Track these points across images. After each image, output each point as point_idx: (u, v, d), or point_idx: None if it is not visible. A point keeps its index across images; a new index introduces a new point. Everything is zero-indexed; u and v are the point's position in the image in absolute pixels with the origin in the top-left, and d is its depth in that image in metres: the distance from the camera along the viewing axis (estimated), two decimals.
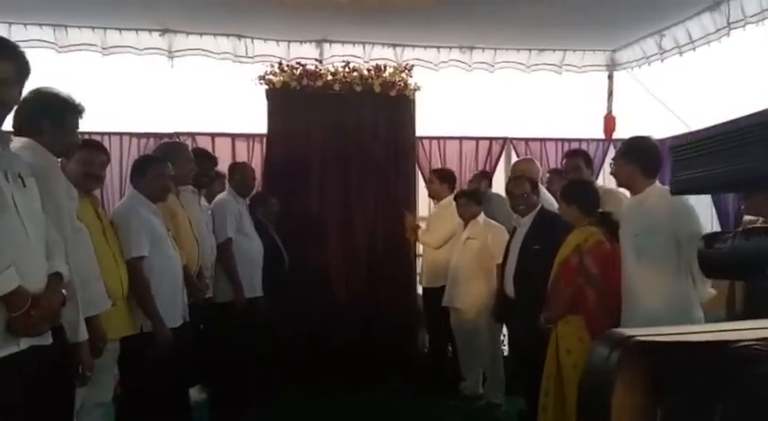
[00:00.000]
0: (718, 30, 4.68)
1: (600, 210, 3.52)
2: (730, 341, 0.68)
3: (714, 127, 1.00)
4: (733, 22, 4.49)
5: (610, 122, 6.30)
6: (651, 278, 3.01)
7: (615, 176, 3.40)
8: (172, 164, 3.51)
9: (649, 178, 3.16)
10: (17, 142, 2.40)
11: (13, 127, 2.47)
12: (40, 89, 2.52)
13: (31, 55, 2.09)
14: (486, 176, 5.56)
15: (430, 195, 5.43)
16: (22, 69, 2.04)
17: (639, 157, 3.17)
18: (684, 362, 0.68)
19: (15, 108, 2.42)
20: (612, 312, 3.15)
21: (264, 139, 5.50)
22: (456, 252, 4.78)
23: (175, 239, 3.48)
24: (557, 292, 3.41)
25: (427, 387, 4.90)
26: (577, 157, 4.46)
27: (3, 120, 2.05)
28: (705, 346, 0.71)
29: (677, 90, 5.81)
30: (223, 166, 4.88)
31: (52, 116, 2.49)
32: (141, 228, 3.18)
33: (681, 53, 5.21)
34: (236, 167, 4.73)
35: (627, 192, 4.42)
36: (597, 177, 5.72)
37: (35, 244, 2.03)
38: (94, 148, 3.05)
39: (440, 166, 5.70)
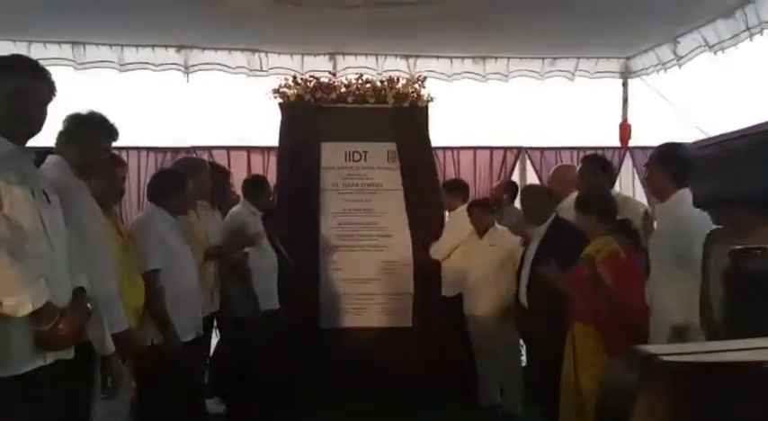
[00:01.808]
0: (733, 36, 4.65)
1: (618, 217, 3.50)
2: (761, 361, 0.66)
3: (736, 139, 0.98)
4: (750, 28, 4.46)
5: (625, 130, 6.26)
6: (677, 285, 2.98)
7: (647, 183, 3.37)
8: (191, 179, 3.56)
9: (678, 186, 3.12)
10: (48, 159, 2.48)
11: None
12: (81, 112, 2.63)
13: (51, 72, 2.17)
14: (511, 189, 5.50)
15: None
16: (52, 90, 2.12)
17: (673, 165, 3.12)
18: (710, 383, 0.67)
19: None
20: (630, 324, 3.12)
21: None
22: (476, 260, 4.77)
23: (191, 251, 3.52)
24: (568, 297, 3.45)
25: (444, 396, 4.87)
26: (595, 163, 4.45)
27: (29, 138, 2.11)
28: (733, 367, 0.69)
29: (693, 97, 5.78)
30: (239, 180, 4.92)
31: (63, 131, 2.58)
32: (156, 241, 3.21)
33: (695, 60, 5.17)
34: (253, 181, 4.74)
35: (644, 200, 4.40)
36: (614, 185, 5.68)
37: (61, 260, 2.09)
38: (114, 163, 3.08)
39: (452, 178, 5.67)
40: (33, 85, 2.05)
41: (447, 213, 5.42)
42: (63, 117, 2.61)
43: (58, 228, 2.11)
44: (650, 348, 0.71)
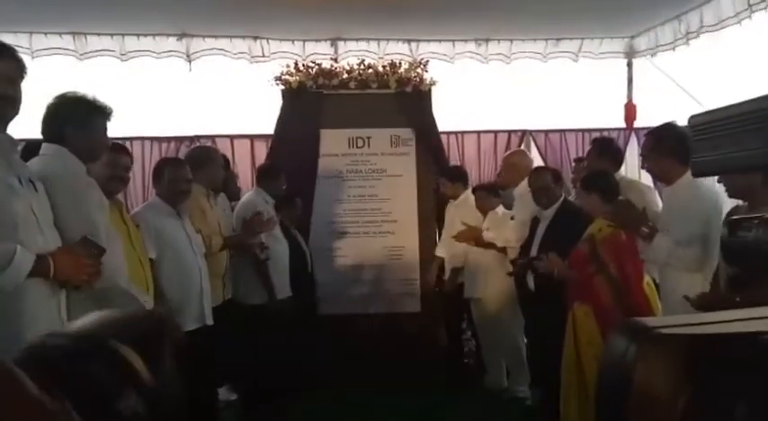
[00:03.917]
0: (738, 13, 4.58)
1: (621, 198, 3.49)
2: (760, 332, 0.65)
3: (738, 105, 0.96)
4: (753, 4, 4.40)
5: (630, 111, 6.21)
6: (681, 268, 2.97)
7: (650, 171, 3.33)
8: (202, 169, 3.55)
9: (684, 166, 3.08)
10: (46, 150, 2.42)
11: (42, 134, 2.49)
12: (64, 95, 2.53)
13: (53, 62, 2.13)
14: None
15: (445, 196, 5.22)
16: (23, 68, 2.07)
17: (675, 148, 3.05)
18: (709, 355, 0.66)
19: (42, 116, 2.48)
20: (628, 303, 3.13)
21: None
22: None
23: (205, 239, 3.53)
24: (569, 279, 3.47)
25: (450, 381, 4.89)
26: (598, 147, 4.47)
27: (11, 120, 2.06)
28: (732, 338, 0.69)
29: (698, 75, 5.70)
30: (243, 167, 4.92)
31: (74, 122, 2.46)
32: (146, 230, 3.22)
33: (700, 37, 5.11)
34: (267, 168, 4.70)
35: (649, 183, 4.37)
36: (619, 168, 5.63)
37: (52, 245, 2.10)
38: (117, 151, 3.05)
39: (453, 165, 5.54)
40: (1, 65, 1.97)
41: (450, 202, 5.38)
42: (55, 101, 2.50)
43: (47, 216, 2.13)
44: (648, 321, 0.71)
